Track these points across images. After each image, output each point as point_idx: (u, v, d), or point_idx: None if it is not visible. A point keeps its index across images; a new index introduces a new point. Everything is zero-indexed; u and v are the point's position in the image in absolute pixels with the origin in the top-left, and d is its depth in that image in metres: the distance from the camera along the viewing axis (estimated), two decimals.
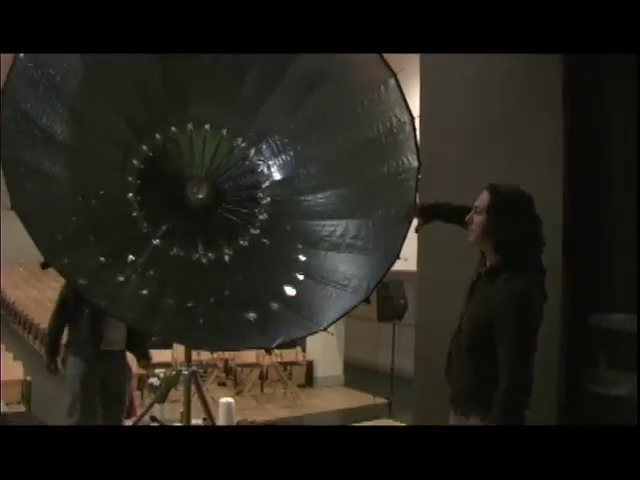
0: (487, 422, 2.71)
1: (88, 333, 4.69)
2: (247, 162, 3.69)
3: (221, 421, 4.82)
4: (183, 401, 3.66)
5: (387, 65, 3.32)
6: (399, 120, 3.33)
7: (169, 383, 7.50)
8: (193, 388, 3.61)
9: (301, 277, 3.43)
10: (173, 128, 3.57)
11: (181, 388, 3.70)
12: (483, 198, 2.85)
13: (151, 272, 3.28)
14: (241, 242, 3.59)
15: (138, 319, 3.21)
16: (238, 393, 10.38)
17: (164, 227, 3.47)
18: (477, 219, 2.85)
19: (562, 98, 4.13)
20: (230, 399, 5.34)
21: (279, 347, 3.27)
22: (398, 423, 7.51)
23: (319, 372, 12.07)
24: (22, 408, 7.97)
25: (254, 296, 3.38)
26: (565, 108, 4.14)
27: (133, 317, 3.21)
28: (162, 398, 7.47)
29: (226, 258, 3.53)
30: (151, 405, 3.97)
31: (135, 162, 3.49)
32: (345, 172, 3.52)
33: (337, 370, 12.26)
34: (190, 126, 3.60)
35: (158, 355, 10.78)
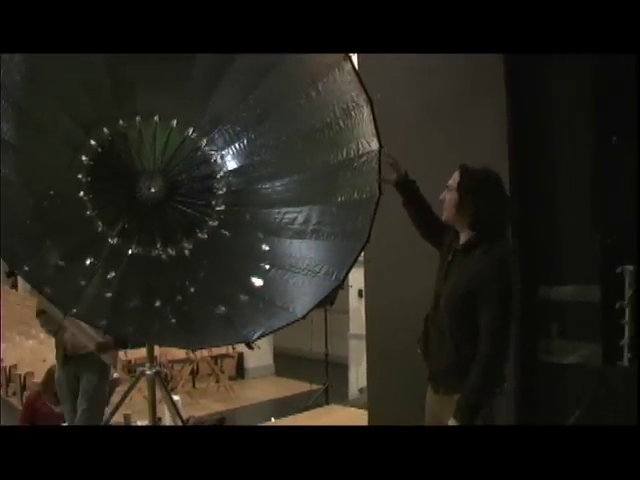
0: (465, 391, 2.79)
1: (57, 340, 5.19)
2: (199, 152, 3.58)
3: (169, 420, 4.73)
4: (148, 402, 3.53)
5: None
6: (356, 103, 3.28)
7: (112, 386, 7.35)
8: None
9: (267, 266, 3.37)
10: (121, 121, 3.43)
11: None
12: (454, 177, 3.00)
13: (112, 273, 3.16)
14: (200, 235, 3.49)
15: (111, 324, 3.08)
16: (171, 390, 10.19)
17: (119, 225, 3.35)
18: (449, 196, 2.98)
19: (504, 80, 4.21)
20: (176, 396, 5.24)
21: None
22: (341, 408, 7.56)
23: (249, 363, 12.00)
24: None
25: (221, 289, 3.30)
26: (508, 90, 4.23)
27: (106, 323, 3.08)
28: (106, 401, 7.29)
29: (186, 252, 3.43)
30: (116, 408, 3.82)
31: (84, 158, 3.34)
32: (302, 158, 3.46)
33: (267, 360, 12.21)
34: (138, 118, 3.46)
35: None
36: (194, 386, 10.98)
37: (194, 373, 11.00)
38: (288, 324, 3.11)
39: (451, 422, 2.80)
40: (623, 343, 3.71)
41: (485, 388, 2.81)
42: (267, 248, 3.43)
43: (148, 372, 3.42)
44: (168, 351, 10.62)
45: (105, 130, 3.40)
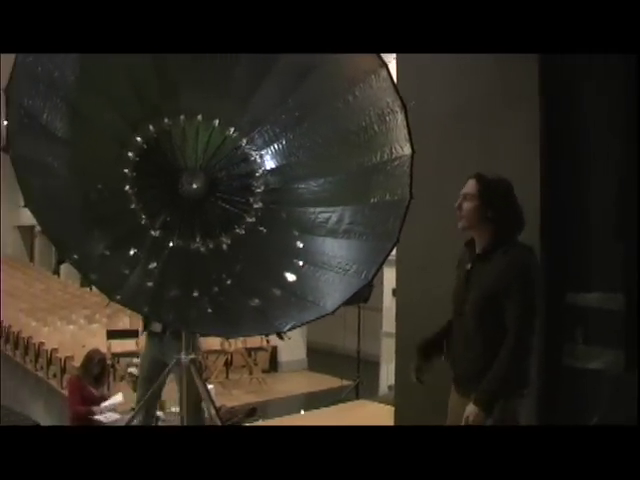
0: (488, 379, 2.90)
1: None
2: (239, 152, 3.73)
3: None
4: (180, 389, 3.69)
5: (378, 55, 3.40)
6: (391, 109, 3.40)
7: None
8: None
9: (300, 263, 3.51)
10: (166, 119, 3.59)
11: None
12: (470, 186, 3.12)
13: (154, 264, 3.34)
14: (238, 231, 3.65)
15: (152, 311, 3.26)
16: (205, 380, 10.40)
17: (161, 219, 3.52)
18: (467, 206, 3.10)
19: (538, 85, 4.29)
20: (210, 386, 5.41)
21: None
22: (370, 403, 7.69)
23: (283, 357, 12.20)
24: None
25: (256, 283, 3.45)
26: (541, 96, 4.30)
27: (148, 309, 3.27)
28: None
29: (224, 247, 3.59)
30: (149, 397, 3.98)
31: (130, 154, 3.51)
32: (338, 160, 3.58)
33: (300, 354, 12.40)
34: (182, 117, 3.62)
35: (129, 345, 10.84)
36: (227, 377, 11.21)
37: (228, 364, 11.22)
38: (318, 318, 3.24)
39: (469, 408, 2.90)
40: None
41: (507, 379, 2.92)
42: (301, 245, 3.57)
43: (184, 359, 3.58)
44: (204, 341, 10.89)
45: (151, 127, 3.56)
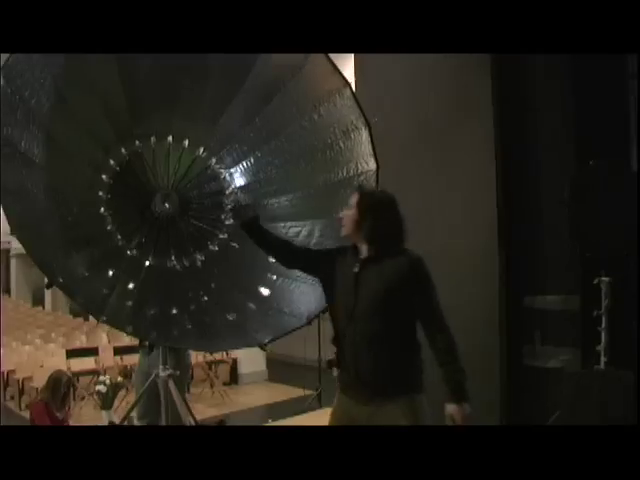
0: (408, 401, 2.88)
1: None
2: (209, 170, 3.86)
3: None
4: (163, 404, 3.76)
5: (341, 75, 3.55)
6: (355, 126, 3.57)
7: (115, 389, 7.56)
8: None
9: (274, 277, 3.64)
10: (137, 142, 3.71)
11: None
12: (353, 197, 3.12)
13: (132, 284, 3.43)
14: (211, 247, 3.77)
15: (136, 329, 3.35)
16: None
17: (137, 239, 3.62)
18: (347, 213, 3.11)
19: (491, 95, 4.50)
20: None
21: None
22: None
23: (243, 369, 12.21)
24: None
25: (231, 298, 3.56)
26: (494, 105, 4.52)
27: (131, 329, 3.36)
28: (109, 404, 7.52)
29: (199, 264, 3.71)
30: (129, 411, 4.05)
31: (104, 177, 3.62)
32: (306, 176, 3.73)
33: (261, 366, 12.44)
34: (153, 139, 3.74)
35: (87, 362, 10.77)
36: (188, 391, 11.18)
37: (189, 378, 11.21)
38: (296, 329, 3.38)
39: (449, 408, 2.85)
40: (600, 348, 4.00)
41: (461, 364, 2.87)
42: (274, 260, 3.70)
43: (162, 374, 3.67)
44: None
45: (123, 150, 3.68)
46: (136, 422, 4.90)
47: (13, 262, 22.03)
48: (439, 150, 4.74)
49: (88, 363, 10.93)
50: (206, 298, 3.56)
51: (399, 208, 3.14)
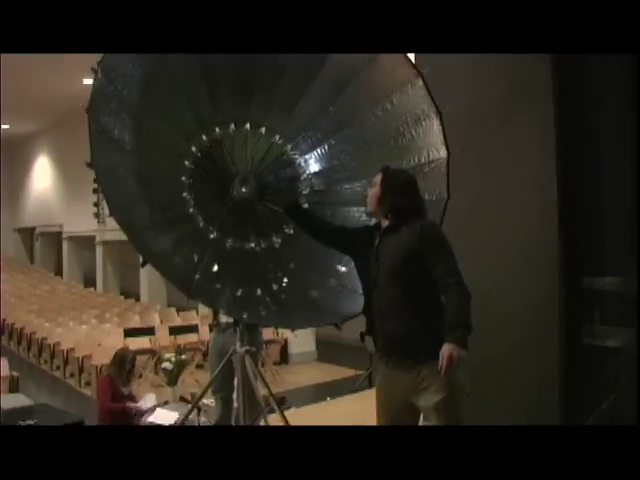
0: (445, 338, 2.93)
1: None
2: (285, 157, 4.04)
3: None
4: (240, 379, 3.95)
5: (413, 65, 3.70)
6: (427, 115, 3.69)
7: (180, 367, 7.88)
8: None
9: (347, 257, 3.82)
10: (217, 129, 3.91)
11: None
12: (377, 176, 3.39)
13: (215, 266, 3.65)
14: (287, 230, 3.96)
15: (230, 310, 3.59)
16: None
17: (218, 221, 3.83)
18: (371, 192, 3.37)
19: (552, 87, 4.61)
20: None
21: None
22: None
23: (293, 349, 12.47)
24: None
25: (311, 276, 3.76)
26: (554, 96, 4.63)
27: (226, 309, 3.59)
28: (174, 381, 7.84)
29: (277, 245, 3.91)
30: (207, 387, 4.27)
31: (187, 163, 3.82)
32: (378, 162, 3.80)
33: (310, 346, 12.69)
34: (232, 126, 3.94)
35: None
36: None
37: None
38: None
39: (445, 347, 2.88)
40: None
41: (468, 315, 2.97)
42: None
43: (239, 350, 3.88)
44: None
45: (204, 137, 3.88)
46: (210, 398, 5.13)
47: (65, 245, 22.57)
48: (499, 142, 4.87)
49: (143, 343, 11.27)
50: (286, 279, 3.75)
51: (418, 188, 3.40)
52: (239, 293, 3.59)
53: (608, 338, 4.61)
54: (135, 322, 13.52)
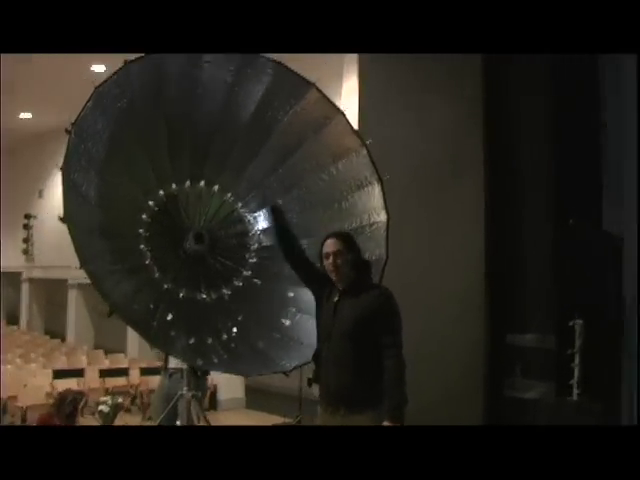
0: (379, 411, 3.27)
1: None
2: (235, 214, 4.32)
3: None
4: (184, 422, 4.16)
5: (359, 135, 4.04)
6: (369, 182, 4.02)
7: (116, 410, 7.92)
8: None
9: (293, 309, 4.09)
10: (174, 185, 4.18)
11: None
12: (334, 244, 3.54)
13: (170, 315, 3.88)
14: (236, 283, 4.22)
15: (184, 357, 3.81)
16: (149, 419, 10.68)
17: (172, 273, 4.07)
18: (340, 262, 3.51)
19: (483, 159, 5.06)
20: None
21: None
22: None
23: (222, 395, 12.47)
24: None
25: (258, 329, 4.02)
26: (485, 161, 5.07)
27: (181, 357, 3.82)
28: (110, 424, 7.87)
29: (226, 297, 4.16)
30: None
31: (144, 216, 4.07)
32: (323, 222, 4.15)
33: (239, 393, 12.72)
34: (188, 183, 4.22)
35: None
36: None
37: None
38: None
39: (386, 423, 3.22)
40: (572, 382, 4.53)
41: (405, 388, 3.28)
42: (292, 295, 4.15)
43: (185, 394, 4.09)
44: (143, 381, 11.32)
45: (161, 192, 4.14)
46: None
47: None
48: (433, 204, 5.26)
49: (71, 384, 11.14)
50: (235, 329, 4.00)
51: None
52: (192, 341, 3.81)
53: (528, 391, 4.99)
54: (62, 363, 13.34)
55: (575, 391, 4.51)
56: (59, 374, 11.22)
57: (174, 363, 5.08)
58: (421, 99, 5.45)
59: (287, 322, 4.05)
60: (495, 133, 5.05)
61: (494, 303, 5.02)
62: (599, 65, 4.60)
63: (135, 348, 14.36)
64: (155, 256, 4.04)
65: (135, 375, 11.73)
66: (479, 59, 5.05)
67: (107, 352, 14.58)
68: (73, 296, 17.25)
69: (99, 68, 11.95)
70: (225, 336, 3.94)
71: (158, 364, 12.03)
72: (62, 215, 3.36)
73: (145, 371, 11.85)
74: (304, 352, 3.80)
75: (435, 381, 5.01)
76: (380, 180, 4.02)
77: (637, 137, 4.09)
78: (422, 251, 5.20)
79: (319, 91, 3.99)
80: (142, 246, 4.02)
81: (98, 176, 3.76)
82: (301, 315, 4.07)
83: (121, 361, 13.54)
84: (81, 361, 13.67)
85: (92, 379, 11.62)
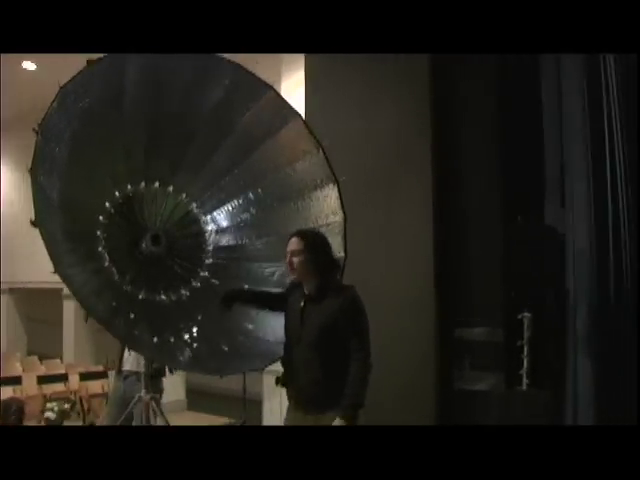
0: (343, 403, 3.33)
1: None
2: (191, 214, 4.34)
3: None
4: (139, 423, 4.14)
5: (315, 138, 4.08)
6: (325, 183, 4.08)
7: (63, 416, 7.79)
8: None
9: (255, 310, 4.10)
10: (129, 186, 4.17)
11: None
12: (295, 243, 3.55)
13: (132, 315, 3.86)
14: (194, 283, 4.23)
15: (151, 355, 3.80)
16: (91, 424, 10.53)
17: (130, 275, 4.05)
18: (297, 260, 3.53)
19: (431, 159, 5.19)
20: None
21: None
22: None
23: (163, 398, 12.35)
24: None
25: (220, 329, 4.02)
26: (433, 168, 5.21)
27: (148, 354, 3.81)
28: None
29: (184, 298, 4.16)
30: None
31: (101, 218, 4.05)
32: (279, 222, 4.21)
33: (179, 395, 12.61)
34: (143, 184, 4.21)
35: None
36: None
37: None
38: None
39: (337, 422, 3.30)
40: (522, 372, 4.70)
41: (365, 391, 3.36)
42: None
43: (144, 397, 4.07)
44: (83, 386, 11.11)
45: (117, 194, 4.12)
46: None
47: None
48: (382, 206, 5.37)
49: (7, 393, 10.87)
50: (195, 329, 4.00)
51: (331, 246, 3.67)
52: (155, 340, 3.80)
53: (477, 382, 5.15)
54: (17, 370, 12.96)
55: (525, 381, 4.69)
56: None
57: (128, 366, 5.04)
58: (369, 99, 5.57)
59: (250, 326, 4.06)
60: (442, 133, 5.19)
61: (443, 300, 5.16)
62: (542, 66, 4.79)
63: (71, 353, 14.08)
64: (113, 258, 4.01)
65: (74, 380, 11.48)
66: (426, 59, 5.19)
67: (41, 358, 14.22)
68: (5, 301, 16.80)
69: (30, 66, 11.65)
70: (187, 336, 3.94)
71: (97, 369, 11.92)
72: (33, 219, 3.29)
73: (84, 376, 11.62)
74: (273, 349, 3.81)
75: (387, 375, 5.09)
76: (336, 181, 4.07)
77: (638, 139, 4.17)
78: (372, 249, 5.30)
79: (277, 93, 4.05)
80: (100, 248, 3.99)
81: (60, 178, 3.70)
82: (265, 313, 4.05)
83: (58, 367, 13.21)
84: (15, 368, 13.30)
85: (29, 386, 11.33)
